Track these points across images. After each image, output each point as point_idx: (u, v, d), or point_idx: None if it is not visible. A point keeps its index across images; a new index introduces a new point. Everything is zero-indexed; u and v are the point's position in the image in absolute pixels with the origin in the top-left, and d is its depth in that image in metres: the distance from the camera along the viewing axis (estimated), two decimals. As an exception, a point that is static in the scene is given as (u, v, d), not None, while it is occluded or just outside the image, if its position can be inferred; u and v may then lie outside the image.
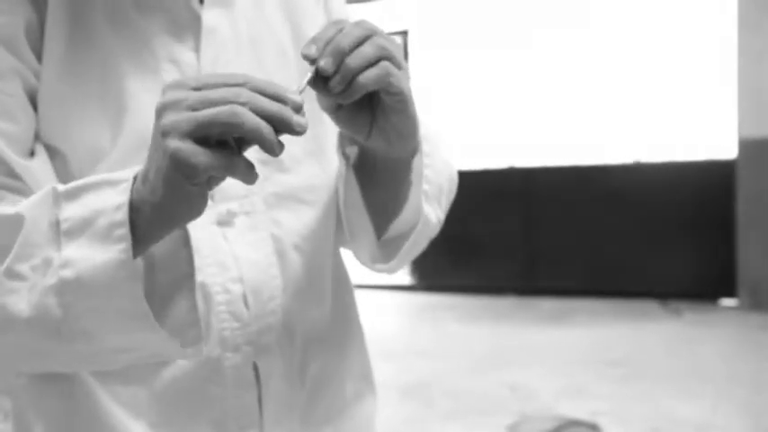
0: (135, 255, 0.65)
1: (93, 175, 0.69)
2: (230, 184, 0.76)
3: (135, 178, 0.66)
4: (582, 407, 3.63)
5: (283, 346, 0.84)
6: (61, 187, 0.68)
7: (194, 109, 0.60)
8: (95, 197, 0.67)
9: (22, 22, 0.76)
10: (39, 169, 0.76)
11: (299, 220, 0.85)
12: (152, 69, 0.80)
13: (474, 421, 3.55)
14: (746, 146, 5.74)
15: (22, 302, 0.67)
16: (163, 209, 0.65)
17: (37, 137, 0.78)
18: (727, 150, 5.98)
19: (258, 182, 0.72)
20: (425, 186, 0.83)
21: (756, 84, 5.64)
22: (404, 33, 7.08)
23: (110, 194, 0.66)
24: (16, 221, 0.68)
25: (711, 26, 6.06)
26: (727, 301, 5.94)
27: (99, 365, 0.77)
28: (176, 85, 0.62)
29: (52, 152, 0.78)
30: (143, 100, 0.78)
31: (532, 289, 6.61)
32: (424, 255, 1.01)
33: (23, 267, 0.68)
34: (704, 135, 6.15)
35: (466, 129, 7.00)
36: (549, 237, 6.59)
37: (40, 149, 0.77)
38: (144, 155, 0.67)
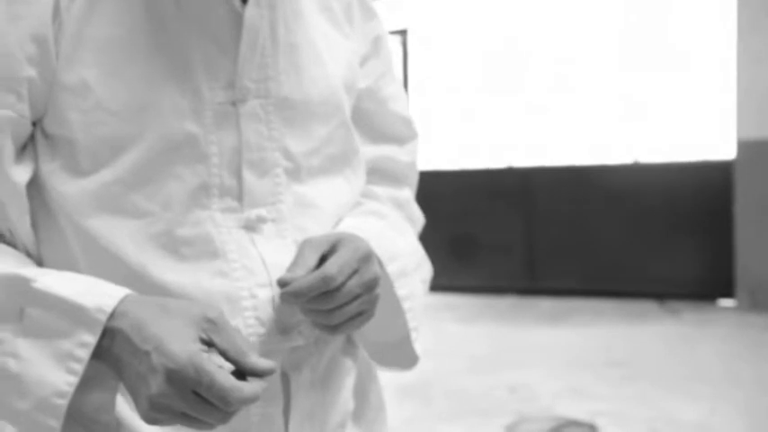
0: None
1: (74, 283, 0.72)
2: (259, 190, 0.80)
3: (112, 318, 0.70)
4: (580, 407, 3.63)
5: (311, 354, 0.84)
6: (37, 284, 0.71)
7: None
8: (65, 319, 0.70)
9: (45, 19, 0.74)
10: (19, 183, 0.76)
11: (323, 229, 0.85)
12: (180, 69, 0.78)
13: (473, 421, 3.54)
14: (745, 147, 5.73)
15: None
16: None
17: (39, 125, 0.77)
18: (725, 151, 5.98)
19: (282, 190, 0.81)
20: (413, 329, 0.91)
21: (755, 85, 5.64)
22: (403, 32, 7.07)
23: (81, 328, 0.70)
24: None
25: (711, 27, 6.06)
26: (726, 302, 5.94)
27: None
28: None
29: (59, 142, 0.76)
30: (166, 103, 0.77)
31: (532, 289, 6.61)
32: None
33: None
34: (703, 136, 6.14)
35: (464, 128, 6.99)
36: (548, 237, 6.58)
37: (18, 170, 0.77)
38: (169, 159, 0.76)
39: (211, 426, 0.69)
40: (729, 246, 5.87)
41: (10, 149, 0.75)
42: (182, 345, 0.67)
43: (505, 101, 6.79)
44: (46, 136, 0.77)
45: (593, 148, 6.52)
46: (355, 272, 0.79)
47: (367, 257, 0.81)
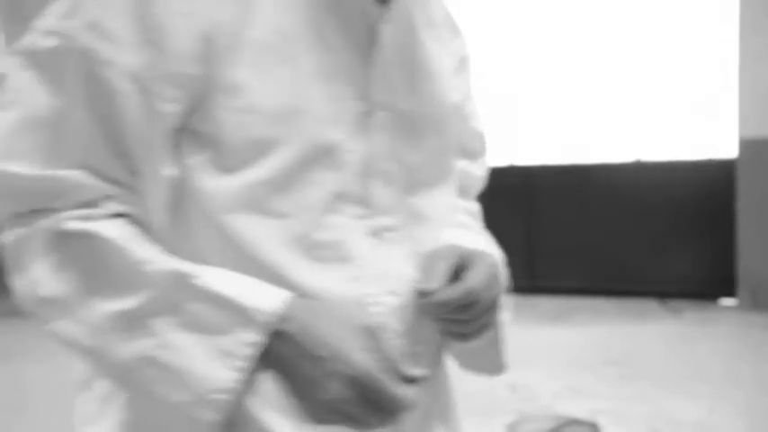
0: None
1: (235, 285, 0.74)
2: (384, 200, 0.84)
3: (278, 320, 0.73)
4: (581, 406, 3.63)
5: (423, 357, 0.87)
6: (199, 282, 0.73)
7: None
8: (229, 317, 0.72)
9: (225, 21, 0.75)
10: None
11: (432, 240, 0.88)
12: (327, 76, 0.79)
13: (473, 421, 3.53)
14: (747, 146, 5.73)
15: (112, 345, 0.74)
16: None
17: (188, 121, 0.78)
18: (727, 150, 5.97)
19: (401, 200, 0.85)
20: (502, 339, 0.96)
21: (757, 84, 5.63)
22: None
23: (245, 327, 0.72)
24: (145, 283, 0.74)
25: (713, 26, 6.05)
26: (727, 301, 5.93)
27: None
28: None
29: (206, 138, 0.77)
30: (314, 108, 0.78)
31: (532, 288, 6.60)
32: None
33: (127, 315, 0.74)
34: (705, 135, 6.14)
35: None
36: (549, 235, 6.58)
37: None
38: (313, 164, 0.77)
39: (373, 427, 0.74)
40: (731, 245, 5.86)
41: (164, 142, 0.77)
42: (357, 353, 0.72)
43: (507, 99, 6.79)
44: (193, 132, 0.78)
45: (595, 146, 6.51)
46: (488, 287, 0.84)
47: (496, 274, 0.87)
